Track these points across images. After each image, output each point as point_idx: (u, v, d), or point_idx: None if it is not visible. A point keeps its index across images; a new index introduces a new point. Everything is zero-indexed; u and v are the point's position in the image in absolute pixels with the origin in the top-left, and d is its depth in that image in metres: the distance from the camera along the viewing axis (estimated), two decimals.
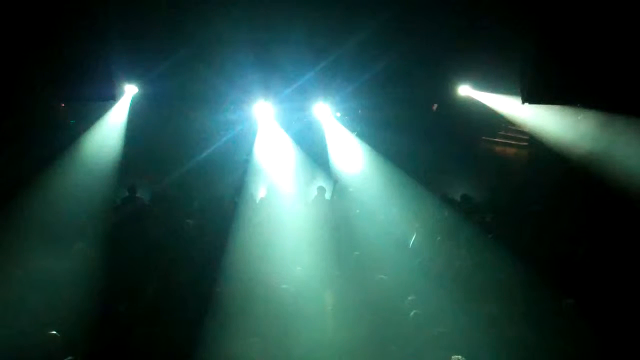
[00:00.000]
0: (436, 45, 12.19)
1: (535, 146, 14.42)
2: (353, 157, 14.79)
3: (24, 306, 8.06)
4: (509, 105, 13.25)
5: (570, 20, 10.00)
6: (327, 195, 13.29)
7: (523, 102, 11.15)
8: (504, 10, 10.84)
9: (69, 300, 8.25)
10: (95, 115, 13.44)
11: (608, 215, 11.45)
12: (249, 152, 14.61)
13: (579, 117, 12.72)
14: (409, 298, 8.62)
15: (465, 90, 13.72)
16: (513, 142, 15.95)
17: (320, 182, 14.14)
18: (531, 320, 8.30)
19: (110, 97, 11.00)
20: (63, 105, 14.10)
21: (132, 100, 13.47)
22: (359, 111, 15.41)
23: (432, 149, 14.66)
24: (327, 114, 14.75)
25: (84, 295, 8.35)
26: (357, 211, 12.62)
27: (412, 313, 8.19)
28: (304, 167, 14.72)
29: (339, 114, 15.34)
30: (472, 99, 13.78)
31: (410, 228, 11.61)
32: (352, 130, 15.18)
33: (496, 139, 16.13)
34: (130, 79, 12.93)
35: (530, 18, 10.33)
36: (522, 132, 14.95)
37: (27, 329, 7.52)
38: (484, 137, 16.04)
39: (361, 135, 15.14)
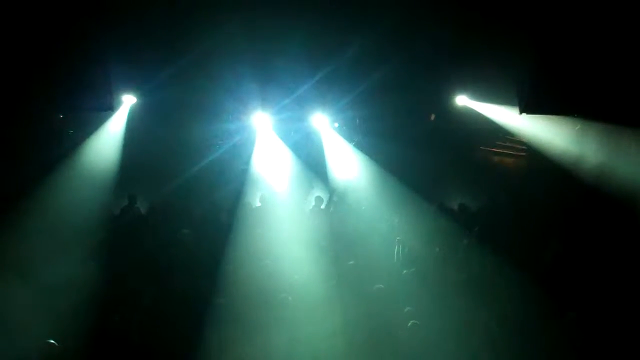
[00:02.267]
0: (434, 55, 12.22)
1: (533, 156, 14.42)
2: (351, 167, 14.80)
3: (21, 314, 8.03)
4: (506, 116, 13.27)
5: (567, 31, 10.04)
6: (324, 205, 13.30)
7: (521, 113, 11.17)
8: (502, 21, 10.87)
9: (66, 308, 8.22)
10: (94, 126, 13.44)
11: (606, 225, 11.43)
12: (247, 162, 14.62)
13: (576, 128, 12.76)
14: (407, 309, 8.60)
15: (462, 101, 13.75)
16: (511, 152, 15.96)
17: (319, 192, 14.15)
18: (530, 331, 8.28)
19: (108, 107, 11.02)
20: (61, 116, 14.11)
21: (130, 110, 13.49)
22: (357, 121, 15.43)
23: (430, 158, 14.66)
24: (325, 124, 14.77)
25: (81, 304, 8.33)
26: (355, 220, 12.60)
27: (409, 323, 8.18)
28: (302, 177, 14.73)
29: (337, 124, 15.36)
30: (470, 109, 13.81)
31: (405, 238, 11.57)
32: (350, 141, 15.20)
33: (494, 149, 16.14)
34: (128, 89, 12.94)
35: (528, 29, 10.37)
36: (520, 142, 14.96)
37: (24, 337, 7.50)
38: (481, 147, 16.05)
39: (359, 145, 15.15)
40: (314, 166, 14.92)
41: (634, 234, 10.78)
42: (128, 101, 13.29)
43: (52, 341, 7.34)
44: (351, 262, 10.51)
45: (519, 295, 9.04)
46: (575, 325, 8.10)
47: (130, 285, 9.37)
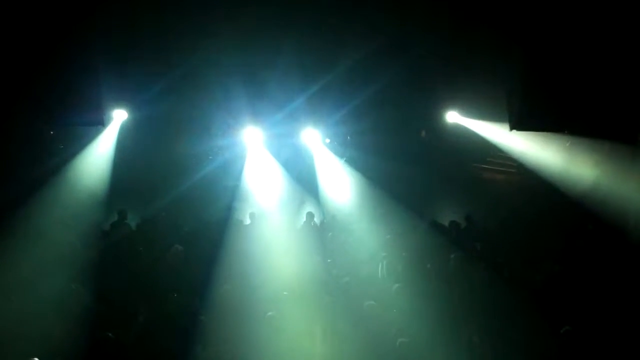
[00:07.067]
0: (425, 72, 12.30)
1: (524, 172, 14.47)
2: (342, 183, 14.80)
3: (9, 334, 7.93)
4: (497, 132, 13.34)
5: (556, 49, 10.13)
6: (316, 220, 13.29)
7: (511, 129, 11.23)
8: (492, 39, 10.95)
9: (57, 327, 8.13)
10: (84, 141, 13.42)
11: (596, 241, 11.46)
12: (238, 178, 14.59)
13: (567, 144, 12.83)
14: (396, 328, 8.56)
15: (453, 117, 13.81)
16: (502, 169, 16.01)
17: (309, 208, 14.12)
18: (522, 348, 8.26)
19: (99, 123, 11.01)
20: (52, 132, 14.09)
21: (121, 126, 13.47)
22: (348, 137, 15.46)
23: (421, 174, 14.69)
24: (316, 140, 14.78)
25: (73, 323, 8.24)
26: (346, 237, 12.58)
27: (398, 342, 8.14)
28: (292, 193, 14.71)
29: (328, 140, 15.38)
30: (460, 125, 13.87)
31: (391, 254, 11.52)
32: (341, 156, 15.22)
33: (485, 165, 16.18)
34: (119, 104, 12.94)
35: (518, 47, 10.45)
36: (511, 159, 15.01)
37: (11, 356, 7.41)
38: (472, 163, 16.10)
39: (350, 161, 15.17)
40: (304, 182, 14.91)
41: (623, 250, 10.84)
42: (119, 116, 13.28)
43: (36, 359, 7.25)
44: (346, 279, 10.48)
45: (506, 311, 9.03)
46: (565, 340, 8.09)
47: (122, 302, 9.29)
